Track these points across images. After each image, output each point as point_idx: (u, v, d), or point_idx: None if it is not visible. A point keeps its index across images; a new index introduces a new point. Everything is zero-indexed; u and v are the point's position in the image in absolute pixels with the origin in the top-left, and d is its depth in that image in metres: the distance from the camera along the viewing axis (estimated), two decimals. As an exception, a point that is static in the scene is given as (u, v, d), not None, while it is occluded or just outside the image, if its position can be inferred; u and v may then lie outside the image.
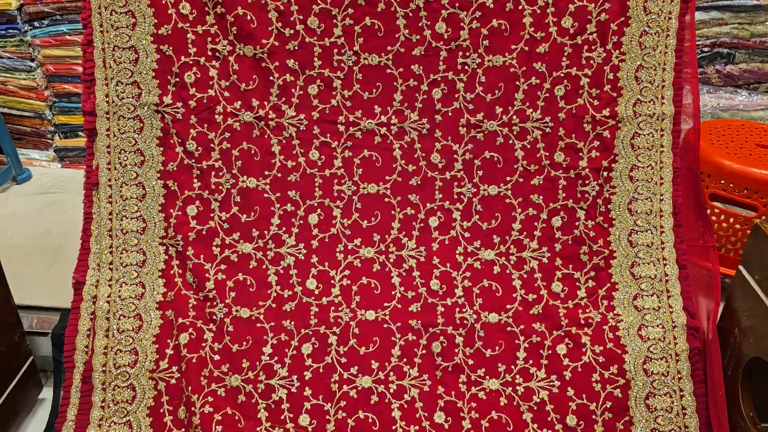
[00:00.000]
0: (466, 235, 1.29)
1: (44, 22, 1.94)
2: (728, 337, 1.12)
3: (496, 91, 1.24)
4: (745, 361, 1.06)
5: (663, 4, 1.21)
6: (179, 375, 1.16)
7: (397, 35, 1.22)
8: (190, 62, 1.21)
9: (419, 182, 1.28)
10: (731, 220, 1.27)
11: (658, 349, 1.14)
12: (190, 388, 1.13)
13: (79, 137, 2.11)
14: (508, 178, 1.27)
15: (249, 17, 1.18)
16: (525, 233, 1.28)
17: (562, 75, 1.23)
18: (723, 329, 1.14)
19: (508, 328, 1.20)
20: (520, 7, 1.21)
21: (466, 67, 1.24)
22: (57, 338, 1.20)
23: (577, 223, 1.26)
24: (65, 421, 1.14)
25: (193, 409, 1.12)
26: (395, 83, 1.25)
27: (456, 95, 1.25)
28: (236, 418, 1.13)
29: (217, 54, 1.22)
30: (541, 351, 1.18)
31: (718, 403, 1.09)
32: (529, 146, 1.26)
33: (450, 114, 1.26)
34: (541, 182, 1.27)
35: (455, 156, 1.27)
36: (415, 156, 1.27)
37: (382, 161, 1.28)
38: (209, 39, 1.21)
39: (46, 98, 2.02)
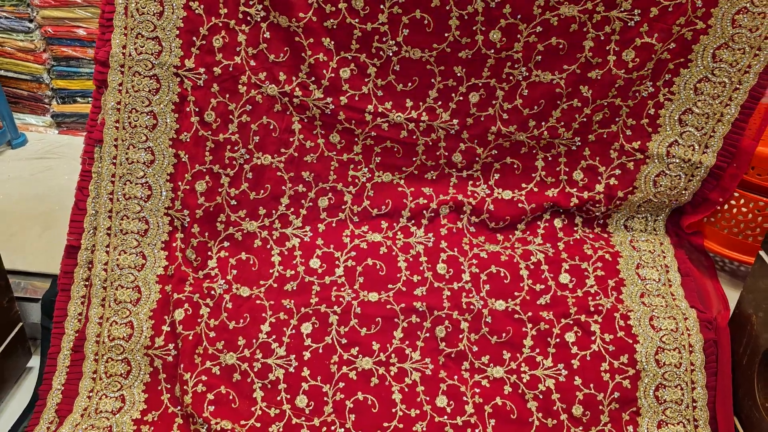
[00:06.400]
0: (472, 229, 1.28)
1: (44, -18, 1.87)
2: (745, 326, 1.08)
3: (535, 107, 1.19)
4: (762, 350, 1.03)
5: (741, 56, 1.13)
6: (176, 353, 1.12)
7: (446, 35, 1.14)
8: (220, 24, 1.12)
9: (434, 177, 1.27)
10: (750, 205, 1.23)
11: (671, 340, 1.10)
12: (182, 366, 1.09)
13: (78, 103, 2.05)
14: (523, 185, 1.26)
15: None
16: (528, 232, 1.28)
17: (605, 104, 1.18)
18: (740, 318, 1.10)
19: (516, 316, 1.16)
20: (584, 30, 1.13)
21: (511, 77, 1.18)
22: (47, 305, 1.16)
23: (576, 228, 1.29)
24: (50, 389, 1.10)
25: (185, 387, 1.08)
26: (433, 80, 1.19)
27: (493, 102, 1.20)
28: (230, 397, 1.09)
29: (248, 18, 1.14)
30: (548, 339, 1.14)
31: (725, 396, 1.07)
32: (550, 159, 1.24)
33: (482, 119, 1.22)
34: (555, 195, 1.26)
35: (477, 158, 1.24)
36: (437, 153, 1.24)
37: (403, 153, 1.25)
38: (242, 1, 1.12)
39: (44, 61, 1.96)
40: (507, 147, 1.23)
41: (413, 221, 1.28)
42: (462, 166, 1.26)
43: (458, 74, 1.18)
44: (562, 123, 1.20)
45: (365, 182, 1.25)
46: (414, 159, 1.25)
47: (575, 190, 1.27)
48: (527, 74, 1.18)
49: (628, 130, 1.22)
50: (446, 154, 1.24)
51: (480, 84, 1.19)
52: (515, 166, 1.25)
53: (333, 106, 1.18)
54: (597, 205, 1.27)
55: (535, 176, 1.26)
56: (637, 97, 1.19)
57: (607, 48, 1.14)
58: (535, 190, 1.27)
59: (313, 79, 1.17)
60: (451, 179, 1.27)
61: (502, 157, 1.24)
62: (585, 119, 1.20)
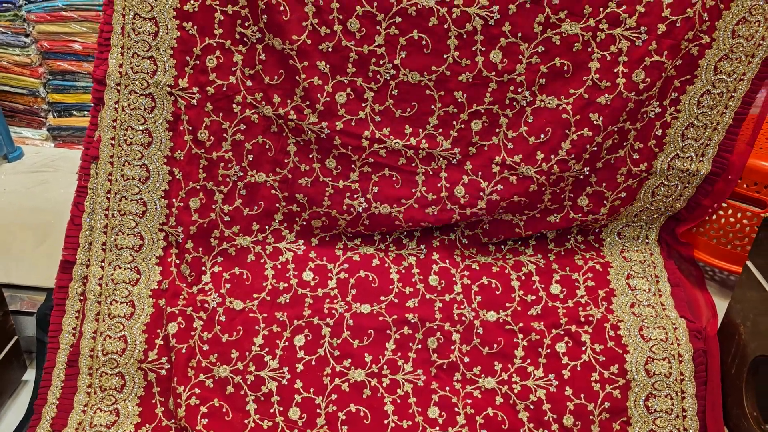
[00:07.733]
0: (464, 241, 1.28)
1: (40, -3, 1.89)
2: (733, 335, 1.09)
3: (542, 136, 1.14)
4: (750, 359, 1.04)
5: (738, 65, 1.12)
6: (169, 366, 1.12)
7: (445, 56, 1.11)
8: (214, 44, 1.13)
9: (435, 212, 1.22)
10: (738, 215, 1.25)
11: (660, 350, 1.11)
12: (176, 379, 1.10)
13: (73, 116, 2.06)
14: (526, 212, 1.23)
15: (282, 7, 1.08)
16: (520, 242, 1.28)
17: (616, 129, 1.14)
18: (728, 327, 1.12)
19: (507, 327, 1.17)
20: (589, 49, 1.10)
21: (515, 103, 1.14)
22: (42, 318, 1.17)
23: (569, 237, 1.28)
24: (45, 403, 1.11)
25: (178, 401, 1.08)
26: (433, 106, 1.15)
27: (497, 130, 1.16)
28: (224, 410, 1.09)
29: (245, 39, 1.14)
30: (539, 349, 1.15)
31: (714, 406, 1.07)
32: (558, 191, 1.20)
33: (486, 149, 1.17)
34: (557, 221, 1.24)
35: (482, 194, 1.19)
36: (439, 185, 1.20)
37: (402, 183, 1.21)
38: (239, 21, 1.13)
39: (40, 75, 1.97)
40: (514, 183, 1.17)
41: (405, 233, 1.29)
42: (465, 202, 1.19)
43: (459, 99, 1.14)
44: (573, 155, 1.14)
45: (361, 212, 1.22)
46: (414, 190, 1.20)
47: (579, 215, 1.24)
48: (531, 99, 1.13)
49: (635, 154, 1.19)
50: (447, 186, 1.19)
51: (482, 110, 1.15)
52: (523, 204, 1.20)
53: (328, 131, 1.15)
54: (597, 222, 1.26)
55: (540, 206, 1.22)
56: (644, 119, 1.16)
57: (615, 70, 1.10)
58: (537, 216, 1.24)
59: (307, 103, 1.14)
60: (454, 215, 1.21)
61: (509, 195, 1.18)
62: (596, 148, 1.15)
